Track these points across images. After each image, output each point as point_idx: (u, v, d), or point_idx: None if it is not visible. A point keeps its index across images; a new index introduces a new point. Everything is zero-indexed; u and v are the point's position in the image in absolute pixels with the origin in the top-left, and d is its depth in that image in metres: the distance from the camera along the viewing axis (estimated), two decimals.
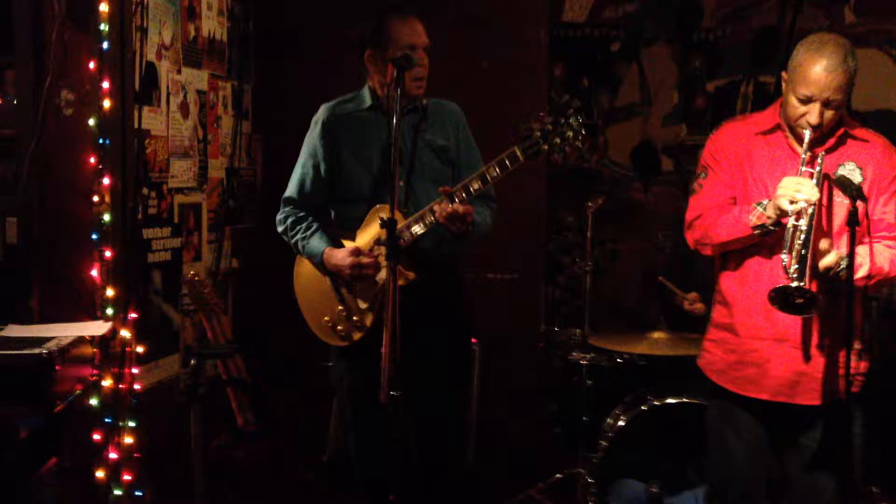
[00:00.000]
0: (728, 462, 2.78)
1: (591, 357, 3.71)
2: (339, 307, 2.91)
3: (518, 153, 2.67)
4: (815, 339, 2.61)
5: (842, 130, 2.61)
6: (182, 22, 3.65)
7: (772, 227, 2.51)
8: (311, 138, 3.00)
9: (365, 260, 2.80)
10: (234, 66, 4.11)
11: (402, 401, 2.35)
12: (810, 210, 2.42)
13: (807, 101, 2.50)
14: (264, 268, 4.13)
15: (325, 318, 2.93)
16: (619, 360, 3.75)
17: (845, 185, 2.42)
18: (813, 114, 2.49)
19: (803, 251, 2.40)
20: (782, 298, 2.42)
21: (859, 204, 2.38)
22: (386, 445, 2.44)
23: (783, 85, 2.60)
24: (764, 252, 2.62)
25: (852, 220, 2.37)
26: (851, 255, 2.40)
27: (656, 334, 3.74)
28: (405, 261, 2.76)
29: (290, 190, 3.02)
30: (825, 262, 2.46)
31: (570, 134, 2.67)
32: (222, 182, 4.06)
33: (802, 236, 2.41)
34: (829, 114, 2.51)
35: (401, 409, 2.37)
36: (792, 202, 2.42)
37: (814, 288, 2.44)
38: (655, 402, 3.51)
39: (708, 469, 2.95)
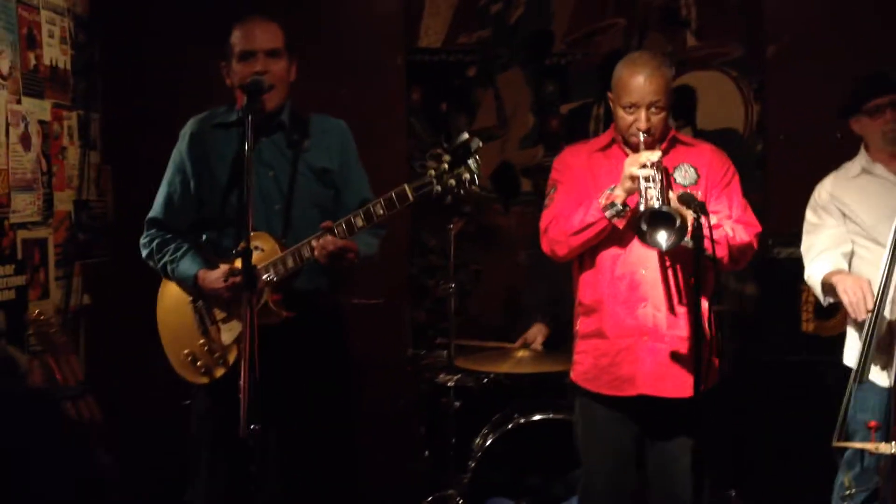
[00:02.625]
0: (596, 471, 2.87)
1: (457, 378, 3.72)
2: (201, 340, 2.72)
3: (408, 192, 2.51)
4: (677, 332, 2.76)
5: (671, 134, 2.84)
6: (21, 50, 3.48)
7: (621, 207, 2.62)
8: (179, 152, 2.80)
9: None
10: (79, 96, 3.96)
11: (259, 435, 2.25)
12: (656, 174, 2.57)
13: (633, 108, 2.69)
14: (120, 303, 3.98)
15: (185, 352, 2.74)
16: (484, 380, 3.77)
17: (689, 201, 2.52)
18: (641, 119, 2.69)
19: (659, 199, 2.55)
20: (643, 229, 2.53)
21: (703, 219, 2.49)
22: (243, 487, 2.31)
23: (611, 105, 2.80)
24: (615, 249, 2.75)
25: (697, 233, 2.48)
26: (697, 274, 2.51)
27: (520, 353, 3.79)
28: (279, 297, 2.62)
29: (156, 210, 2.81)
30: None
31: (467, 176, 2.47)
32: (70, 215, 3.89)
33: (657, 188, 2.55)
34: (655, 118, 2.71)
35: (259, 444, 2.28)
36: (641, 166, 2.57)
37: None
38: (521, 420, 3.55)
39: (578, 482, 3.01)
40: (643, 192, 2.55)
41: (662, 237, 2.51)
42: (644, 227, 2.51)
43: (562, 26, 4.42)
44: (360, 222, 2.56)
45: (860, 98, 3.01)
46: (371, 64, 4.36)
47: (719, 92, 4.41)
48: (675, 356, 2.75)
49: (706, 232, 2.47)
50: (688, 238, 2.52)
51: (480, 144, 2.49)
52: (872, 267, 2.91)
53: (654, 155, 2.61)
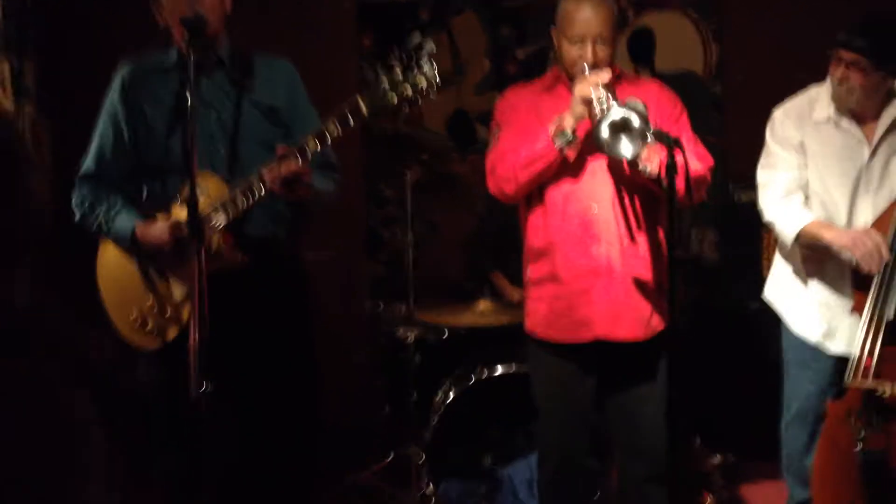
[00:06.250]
0: (553, 424, 2.83)
1: (417, 332, 3.63)
2: (150, 300, 2.53)
3: (361, 105, 2.32)
4: (631, 270, 2.71)
5: (617, 70, 2.73)
6: None
7: (571, 135, 2.53)
8: (110, 100, 2.62)
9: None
10: (11, 43, 3.75)
11: (212, 395, 2.13)
12: (607, 95, 2.48)
13: (580, 41, 2.60)
14: (68, 265, 3.82)
15: (134, 315, 2.54)
16: (444, 334, 3.69)
17: (661, 135, 2.43)
18: (587, 52, 2.59)
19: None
20: (604, 138, 2.44)
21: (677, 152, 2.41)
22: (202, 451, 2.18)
23: (554, 40, 2.71)
24: (565, 185, 2.67)
25: (671, 170, 2.40)
26: (672, 213, 2.44)
27: (481, 305, 3.71)
28: (233, 239, 2.46)
29: (87, 165, 2.62)
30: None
31: (424, 84, 2.30)
32: None
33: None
34: (602, 52, 2.62)
35: (214, 404, 2.17)
36: (594, 86, 2.48)
37: None
38: (484, 375, 3.48)
39: (536, 433, 2.97)
40: (596, 114, 2.47)
41: (626, 146, 2.42)
42: (605, 134, 2.41)
43: None
44: (313, 144, 2.38)
45: (837, 42, 2.89)
46: (320, 7, 4.20)
47: (678, 33, 4.32)
48: (630, 295, 2.70)
49: (680, 165, 2.38)
50: (645, 166, 2.45)
51: (434, 49, 2.32)
52: None
53: (605, 74, 2.54)
